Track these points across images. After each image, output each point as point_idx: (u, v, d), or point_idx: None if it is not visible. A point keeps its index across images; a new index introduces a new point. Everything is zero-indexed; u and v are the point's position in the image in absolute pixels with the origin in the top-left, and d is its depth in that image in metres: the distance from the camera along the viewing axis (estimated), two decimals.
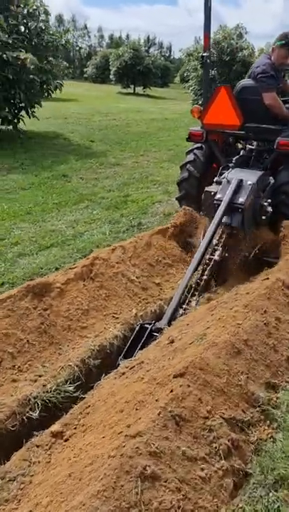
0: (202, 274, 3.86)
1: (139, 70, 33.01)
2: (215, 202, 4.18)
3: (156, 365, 2.53)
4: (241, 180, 4.21)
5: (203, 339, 2.67)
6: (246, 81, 5.15)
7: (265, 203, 4.45)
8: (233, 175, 4.39)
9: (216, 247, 4.17)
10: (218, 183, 4.44)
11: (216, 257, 3.99)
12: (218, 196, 4.19)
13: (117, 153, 10.16)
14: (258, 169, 4.90)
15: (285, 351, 2.87)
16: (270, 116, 4.84)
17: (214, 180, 4.61)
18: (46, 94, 11.41)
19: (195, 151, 5.35)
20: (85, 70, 46.61)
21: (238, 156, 5.08)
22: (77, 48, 64.83)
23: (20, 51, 9.46)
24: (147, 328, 3.28)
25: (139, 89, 35.08)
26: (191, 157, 5.32)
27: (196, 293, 3.76)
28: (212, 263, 3.95)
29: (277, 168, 4.92)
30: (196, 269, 3.82)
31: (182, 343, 2.75)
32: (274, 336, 2.91)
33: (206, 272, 3.87)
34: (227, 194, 4.08)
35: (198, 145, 5.36)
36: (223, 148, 5.47)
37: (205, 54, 4.84)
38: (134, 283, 3.82)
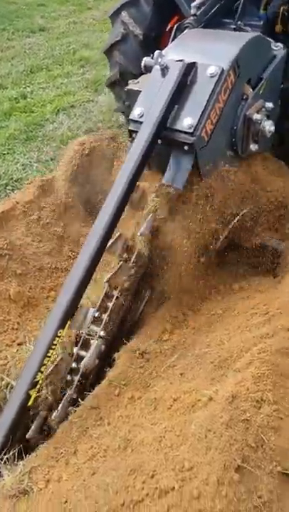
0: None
1: None
2: (130, 128, 1.91)
3: None
4: (193, 65, 1.79)
5: None
6: None
7: (258, 116, 2.03)
8: (180, 50, 1.92)
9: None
10: (148, 69, 2.01)
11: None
12: (136, 112, 1.88)
13: (53, 7, 6.67)
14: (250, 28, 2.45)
15: None
16: None
17: (143, 63, 2.09)
18: None
19: (123, 14, 2.73)
20: None
21: None
22: None
23: None
24: None
25: None
26: (117, 33, 2.75)
27: None
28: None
29: None
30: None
31: None
32: None
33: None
34: (154, 107, 1.76)
35: None
36: None
37: None
38: None
